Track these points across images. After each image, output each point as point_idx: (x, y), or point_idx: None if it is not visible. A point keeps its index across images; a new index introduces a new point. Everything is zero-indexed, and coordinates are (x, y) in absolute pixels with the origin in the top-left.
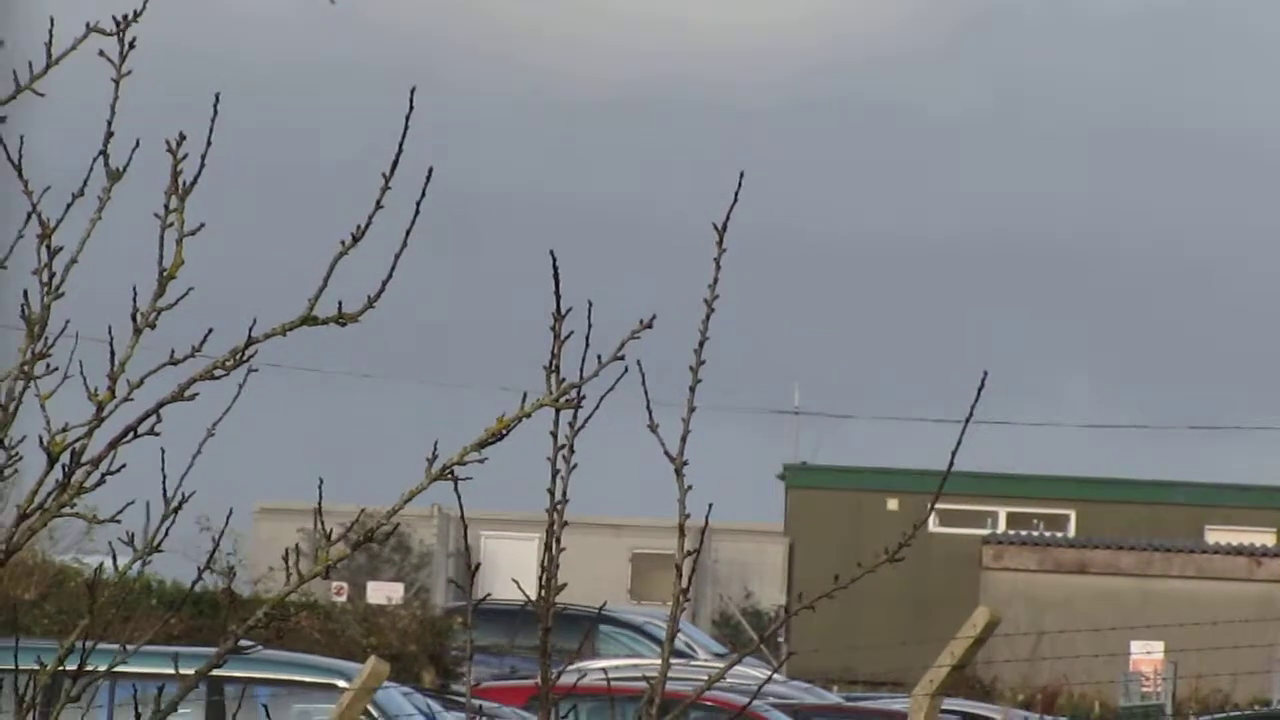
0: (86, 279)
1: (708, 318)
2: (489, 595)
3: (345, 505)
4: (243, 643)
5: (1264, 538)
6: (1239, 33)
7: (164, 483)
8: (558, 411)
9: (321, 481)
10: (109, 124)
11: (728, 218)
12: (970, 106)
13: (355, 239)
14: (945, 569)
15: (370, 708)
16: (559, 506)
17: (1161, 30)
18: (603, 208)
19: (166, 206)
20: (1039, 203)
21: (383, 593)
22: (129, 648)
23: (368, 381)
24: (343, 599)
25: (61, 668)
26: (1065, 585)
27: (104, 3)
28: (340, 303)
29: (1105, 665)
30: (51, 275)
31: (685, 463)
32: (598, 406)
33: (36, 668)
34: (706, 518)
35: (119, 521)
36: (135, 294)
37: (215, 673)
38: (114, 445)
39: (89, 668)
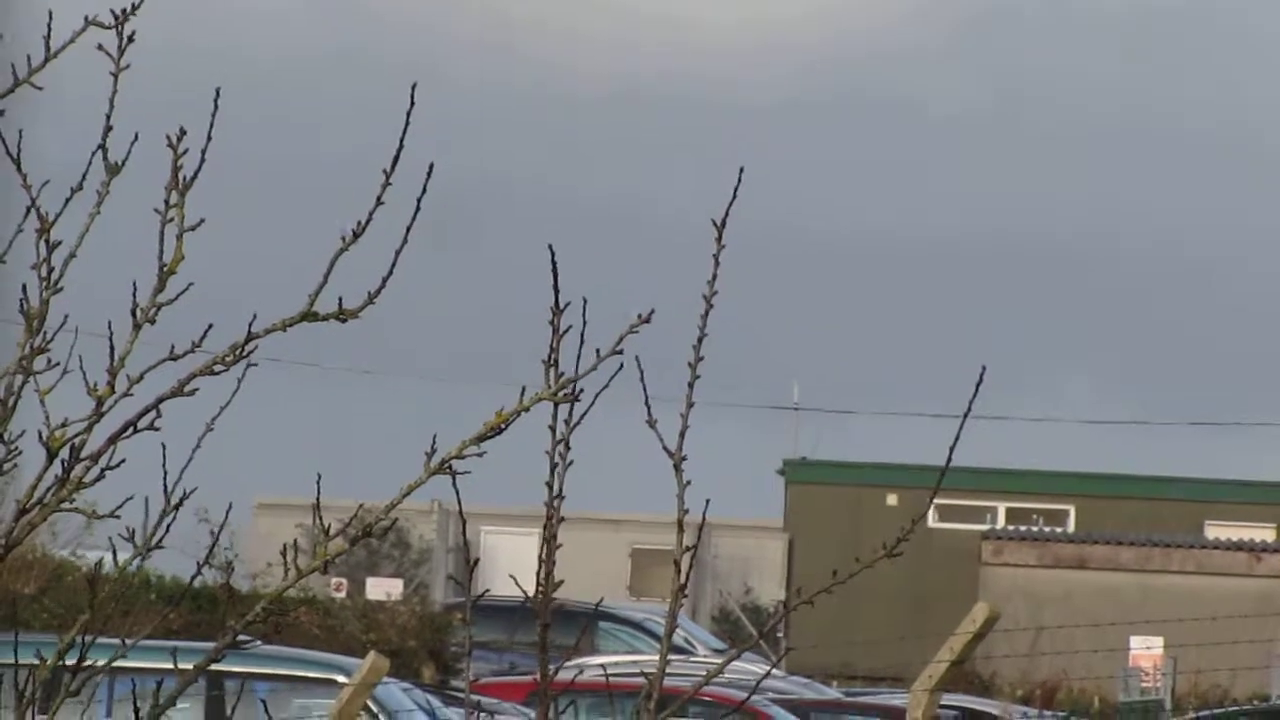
0: (86, 274)
1: (706, 314)
2: (488, 591)
3: (344, 500)
4: (241, 638)
5: (1263, 533)
6: (1239, 33)
7: (164, 478)
8: (556, 406)
9: (320, 477)
10: (108, 118)
11: (727, 214)
12: (971, 105)
13: (356, 235)
14: (944, 564)
15: (370, 703)
16: (556, 501)
17: (1161, 30)
18: (604, 203)
19: (167, 201)
20: (1039, 202)
21: (382, 588)
22: (128, 643)
23: (368, 377)
24: (342, 594)
25: (61, 662)
26: (1065, 580)
27: None
28: (341, 299)
29: (1104, 660)
30: (50, 270)
31: (684, 458)
32: (594, 402)
33: (36, 662)
34: (704, 513)
35: (118, 517)
36: (135, 289)
37: (214, 668)
38: (113, 440)
39: (88, 662)
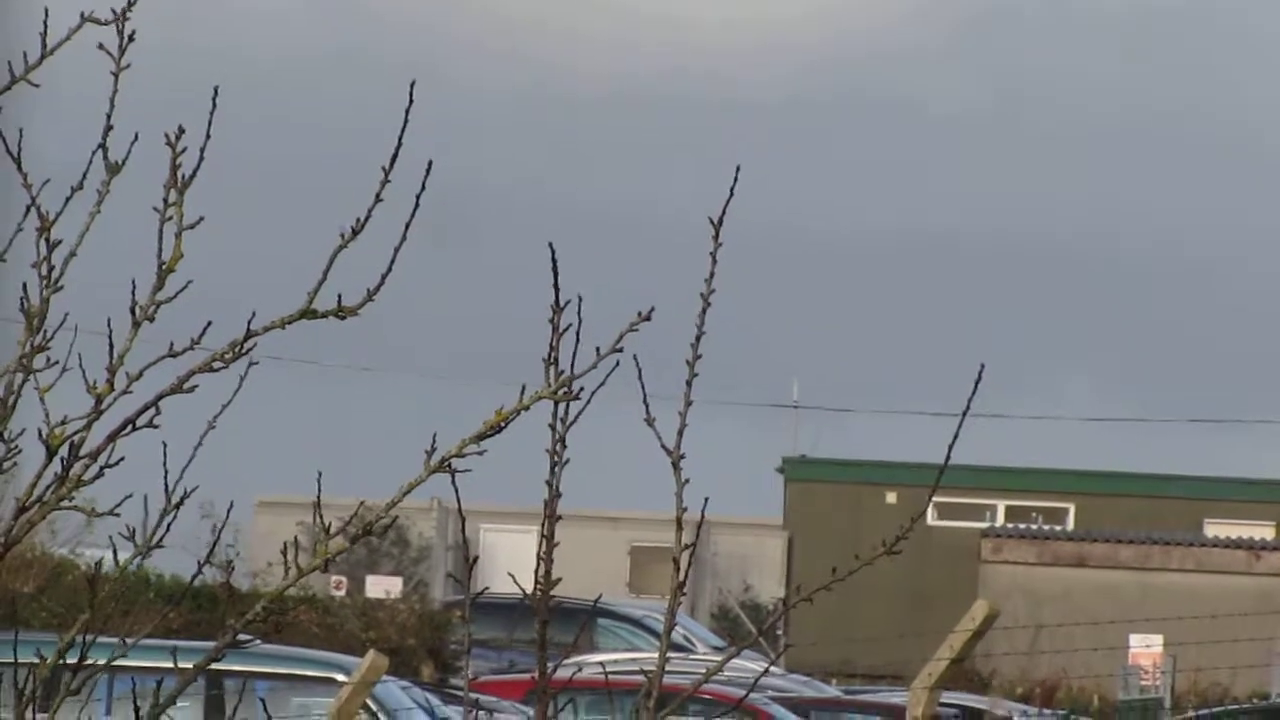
0: (85, 272)
1: (704, 312)
2: (487, 589)
3: (344, 498)
4: (241, 637)
5: (1263, 531)
6: (1239, 33)
7: (165, 476)
8: (556, 404)
9: (320, 475)
10: (108, 117)
11: (724, 212)
12: (971, 105)
13: (355, 232)
14: (944, 562)
15: (369, 701)
16: (555, 499)
17: (1161, 30)
18: (604, 203)
19: (166, 200)
20: (1039, 202)
21: (381, 586)
22: (128, 641)
23: (367, 375)
24: (341, 593)
25: (61, 661)
26: (1064, 578)
27: None
28: (340, 296)
29: (1104, 658)
30: (50, 268)
31: (683, 456)
32: (589, 400)
33: (36, 661)
34: (704, 511)
35: (118, 514)
36: (134, 287)
37: (214, 667)
38: (113, 438)
39: (89, 661)
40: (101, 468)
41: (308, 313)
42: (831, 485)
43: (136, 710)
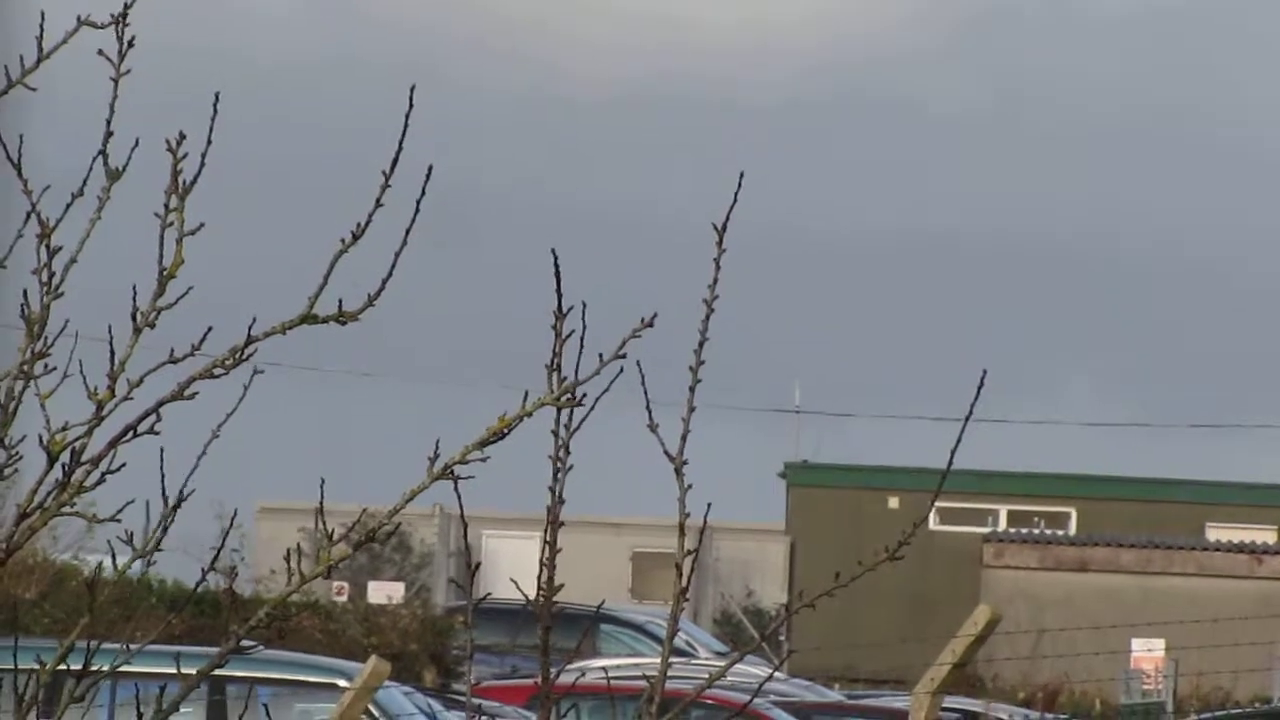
0: (86, 278)
1: (707, 317)
2: (489, 595)
3: (346, 505)
4: (244, 643)
5: (1265, 535)
6: (1239, 33)
7: (163, 482)
8: (559, 410)
9: (323, 481)
10: (108, 123)
11: (727, 218)
12: (970, 106)
13: (355, 237)
14: (946, 567)
15: (371, 707)
16: (558, 505)
17: (1161, 30)
18: (604, 205)
19: (166, 206)
20: (1039, 202)
21: (384, 592)
22: (131, 647)
23: (368, 380)
24: (344, 599)
25: (63, 666)
26: (1066, 583)
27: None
28: (340, 301)
29: (1106, 663)
30: (51, 275)
31: (685, 462)
32: (593, 406)
33: (36, 667)
34: (706, 516)
35: (119, 521)
36: (135, 293)
37: (217, 673)
38: (114, 444)
39: (91, 667)
40: (103, 474)
41: (308, 318)
42: (833, 490)
43: (139, 716)
